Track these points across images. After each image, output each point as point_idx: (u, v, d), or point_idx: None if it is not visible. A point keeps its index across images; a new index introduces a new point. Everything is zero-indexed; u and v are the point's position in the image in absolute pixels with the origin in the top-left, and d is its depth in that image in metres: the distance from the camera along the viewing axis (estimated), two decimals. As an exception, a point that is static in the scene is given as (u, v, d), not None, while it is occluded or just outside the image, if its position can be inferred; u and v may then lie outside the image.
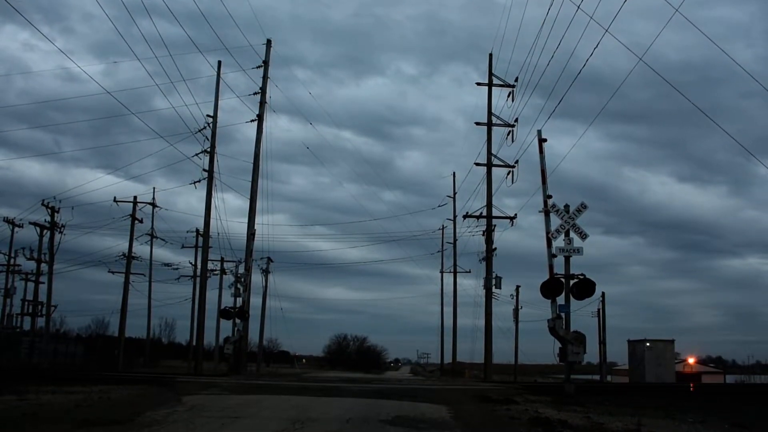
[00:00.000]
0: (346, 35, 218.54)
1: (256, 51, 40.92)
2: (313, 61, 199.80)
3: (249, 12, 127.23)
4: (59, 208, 49.69)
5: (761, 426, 14.92)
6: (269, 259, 63.18)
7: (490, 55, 42.54)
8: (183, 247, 61.99)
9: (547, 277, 23.24)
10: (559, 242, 23.78)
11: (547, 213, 23.94)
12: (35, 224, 49.85)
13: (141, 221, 56.88)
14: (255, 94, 40.76)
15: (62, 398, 15.21)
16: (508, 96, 40.94)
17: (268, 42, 41.49)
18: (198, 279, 49.62)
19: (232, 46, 49.13)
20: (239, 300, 39.60)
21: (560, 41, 25.20)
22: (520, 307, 64.87)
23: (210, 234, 43.12)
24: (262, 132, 40.36)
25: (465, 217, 43.61)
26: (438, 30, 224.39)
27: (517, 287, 64.57)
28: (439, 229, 67.38)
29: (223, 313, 41.26)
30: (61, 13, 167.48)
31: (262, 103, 40.58)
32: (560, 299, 23.15)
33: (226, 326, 50.60)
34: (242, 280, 40.22)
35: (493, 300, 42.71)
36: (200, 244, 53.20)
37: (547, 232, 23.78)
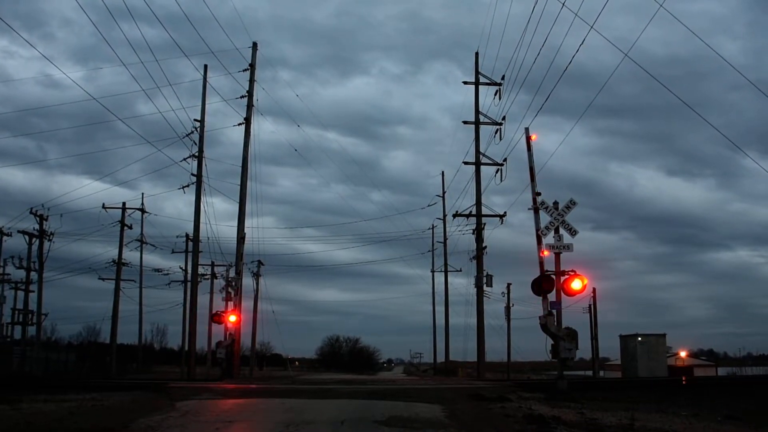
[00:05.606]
0: (328, 35, 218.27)
1: (241, 54, 40.88)
2: (297, 61, 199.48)
3: (228, 14, 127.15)
4: (48, 216, 49.53)
5: (754, 417, 15.01)
6: (260, 263, 63.14)
7: (476, 53, 42.71)
8: (173, 252, 61.86)
9: (537, 274, 23.32)
10: (549, 239, 23.87)
11: (536, 210, 24.00)
12: (24, 232, 49.64)
13: (130, 227, 56.77)
14: (242, 97, 40.70)
15: (55, 406, 15.14)
16: (495, 94, 41.08)
17: (254, 45, 41.44)
18: (189, 284, 49.50)
19: (214, 49, 49.06)
20: (231, 304, 39.52)
21: (546, 38, 25.30)
22: (511, 305, 65.15)
23: (200, 238, 43.11)
24: (249, 135, 40.31)
25: (455, 216, 43.80)
26: (421, 28, 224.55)
27: (509, 285, 64.79)
28: (429, 228, 67.61)
29: (215, 318, 41.17)
30: (39, 20, 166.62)
31: (250, 106, 40.49)
32: (551, 296, 23.21)
33: (218, 331, 50.50)
34: (233, 284, 40.16)
35: (484, 298, 42.91)
36: (190, 248, 53.13)
37: (537, 230, 23.84)
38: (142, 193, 78.05)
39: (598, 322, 59.98)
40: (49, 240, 50.15)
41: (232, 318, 38.06)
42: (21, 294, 52.90)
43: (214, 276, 63.07)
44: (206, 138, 41.94)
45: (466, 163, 42.19)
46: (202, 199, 41.18)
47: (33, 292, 51.33)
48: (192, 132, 41.24)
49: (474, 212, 41.29)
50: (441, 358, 68.63)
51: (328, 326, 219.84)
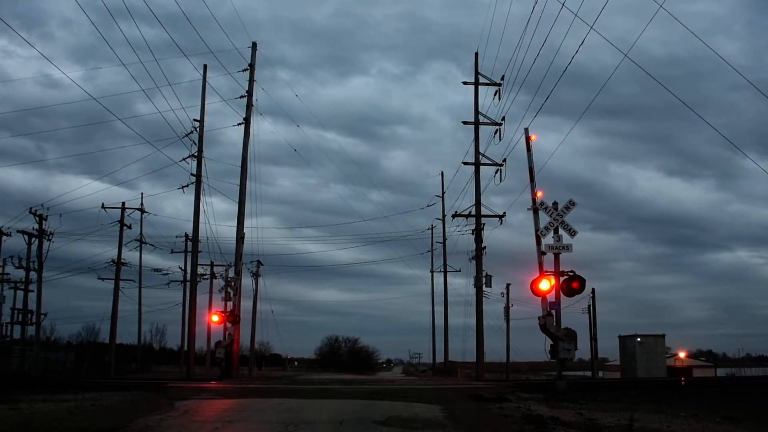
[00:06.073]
0: (327, 35, 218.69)
1: (241, 54, 40.91)
2: (296, 61, 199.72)
3: (228, 14, 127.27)
4: (47, 216, 49.51)
5: (753, 418, 15.02)
6: (259, 263, 63.10)
7: (476, 54, 42.64)
8: (172, 252, 61.91)
9: (537, 274, 23.32)
10: (549, 239, 23.85)
11: (535, 211, 24.00)
12: (23, 232, 49.61)
13: (130, 227, 56.70)
14: (241, 97, 40.74)
15: (55, 406, 15.14)
16: (495, 94, 41.06)
17: (254, 45, 41.45)
18: (188, 284, 49.49)
19: (214, 49, 49.09)
20: (230, 304, 39.52)
21: (546, 39, 25.31)
22: (510, 305, 65.03)
23: (199, 238, 43.09)
24: (249, 135, 40.32)
25: (454, 216, 43.71)
26: (420, 28, 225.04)
27: (508, 285, 64.70)
28: (429, 228, 67.60)
29: (214, 318, 41.18)
30: (38, 19, 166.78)
31: (249, 106, 40.51)
32: (551, 296, 23.22)
33: (217, 330, 50.54)
34: (232, 284, 40.16)
35: (483, 298, 42.84)
36: (189, 248, 53.11)
37: (537, 230, 23.84)
38: (142, 193, 78.28)
39: (597, 322, 60.04)
40: (49, 240, 50.15)
41: (231, 318, 38.04)
42: (20, 294, 52.90)
43: (213, 276, 63.11)
44: (205, 138, 42.02)
45: (465, 163, 42.18)
46: (202, 199, 41.24)
47: (32, 291, 51.35)
48: (191, 132, 41.28)
49: (473, 212, 41.24)
50: (440, 359, 68.63)
51: (327, 326, 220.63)
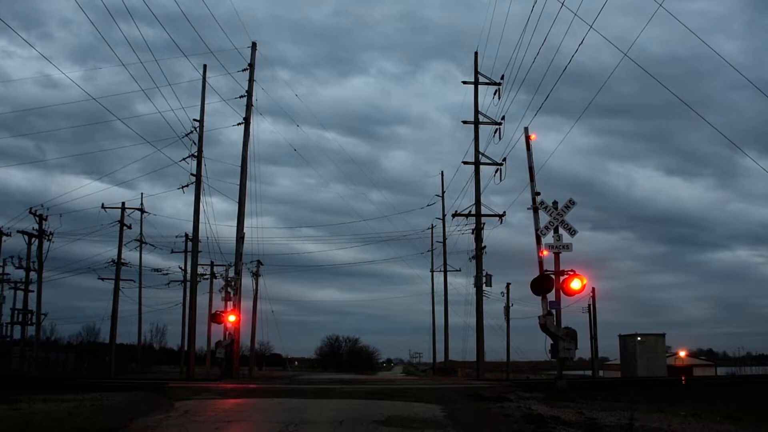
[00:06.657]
0: (327, 35, 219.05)
1: (240, 54, 40.88)
2: (296, 61, 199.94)
3: (227, 14, 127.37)
4: (47, 216, 49.51)
5: (752, 417, 15.01)
6: (259, 262, 63.05)
7: (476, 53, 42.67)
8: (172, 252, 61.89)
9: (537, 274, 23.32)
10: (549, 239, 23.86)
11: (535, 210, 24.01)
12: (23, 232, 49.61)
13: (129, 227, 56.69)
14: (241, 97, 40.71)
15: (55, 406, 15.12)
16: (495, 93, 41.05)
17: (253, 45, 41.40)
18: (188, 284, 49.47)
19: (213, 49, 49.13)
20: (230, 304, 39.49)
21: (545, 38, 25.27)
22: (510, 305, 64.95)
23: (199, 238, 43.09)
24: (249, 135, 40.30)
25: (454, 215, 43.71)
26: (419, 28, 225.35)
27: (508, 285, 64.65)
28: (429, 228, 67.63)
29: (214, 317, 41.14)
30: (38, 19, 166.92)
31: (249, 106, 40.48)
32: (551, 296, 23.21)
33: (218, 330, 50.50)
34: (232, 283, 40.13)
35: (483, 298, 42.84)
36: (189, 248, 53.10)
37: (537, 229, 23.84)
38: (142, 193, 78.29)
39: (597, 321, 59.90)
40: (49, 240, 50.14)
41: (232, 318, 37.99)
42: (20, 294, 52.94)
43: (213, 276, 63.04)
44: (205, 138, 42.04)
45: (465, 162, 42.19)
46: (202, 198, 41.25)
47: (32, 291, 51.37)
48: (191, 132, 41.30)
49: (473, 212, 41.24)
50: (440, 358, 68.60)
51: (327, 326, 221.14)
